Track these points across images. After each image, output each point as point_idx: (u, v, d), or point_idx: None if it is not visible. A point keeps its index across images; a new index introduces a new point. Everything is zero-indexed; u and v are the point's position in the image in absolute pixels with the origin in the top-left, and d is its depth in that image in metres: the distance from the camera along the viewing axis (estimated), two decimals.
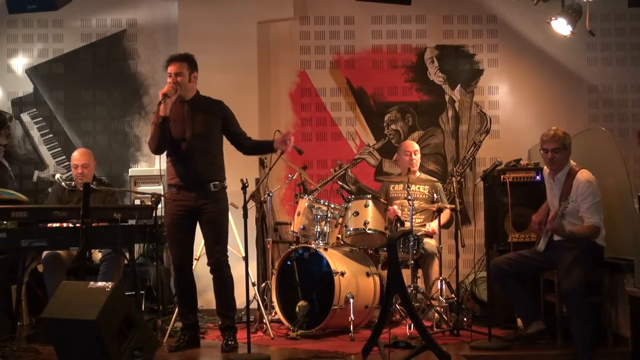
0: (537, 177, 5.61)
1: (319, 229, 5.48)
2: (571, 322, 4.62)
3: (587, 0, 5.70)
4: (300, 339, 5.18)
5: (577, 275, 4.58)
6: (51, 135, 6.90)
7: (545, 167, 5.11)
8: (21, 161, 6.89)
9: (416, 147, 6.10)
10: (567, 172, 4.87)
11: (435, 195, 5.99)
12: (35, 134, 6.89)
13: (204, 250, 5.00)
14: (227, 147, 5.04)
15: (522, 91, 6.99)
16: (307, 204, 5.57)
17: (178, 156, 4.87)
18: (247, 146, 5.03)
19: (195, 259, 5.27)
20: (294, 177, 5.96)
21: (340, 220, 5.61)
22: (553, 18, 5.86)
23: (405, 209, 5.68)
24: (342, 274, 5.26)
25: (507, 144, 6.84)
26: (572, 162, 4.91)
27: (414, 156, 6.01)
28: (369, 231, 5.42)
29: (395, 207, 5.83)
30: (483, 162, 6.91)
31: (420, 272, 5.82)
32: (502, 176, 5.61)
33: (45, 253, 5.29)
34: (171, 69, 4.85)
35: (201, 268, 5.15)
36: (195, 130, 4.84)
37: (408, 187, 5.63)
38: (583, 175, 4.80)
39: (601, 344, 4.84)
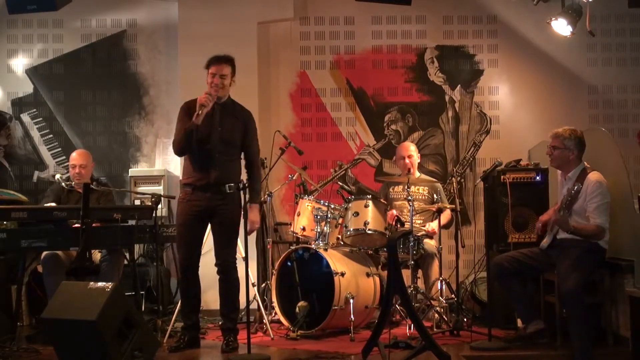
0: (537, 178, 5.62)
1: (319, 230, 5.48)
2: (569, 323, 4.61)
3: (587, 1, 5.70)
4: (300, 339, 5.18)
5: (577, 276, 4.56)
6: (51, 136, 6.90)
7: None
8: (21, 161, 6.88)
9: (411, 150, 6.04)
10: (578, 172, 4.88)
11: (435, 195, 5.99)
12: (35, 134, 6.88)
13: (206, 249, 4.99)
14: None
15: (522, 91, 6.98)
16: (307, 204, 5.57)
17: (199, 157, 4.83)
18: (247, 166, 5.00)
19: None
20: (294, 178, 5.96)
21: (340, 220, 5.61)
22: (553, 18, 5.86)
23: (405, 210, 5.67)
24: (342, 274, 5.26)
25: (507, 144, 6.83)
26: (585, 163, 4.93)
27: (407, 160, 5.99)
28: (369, 231, 5.42)
29: (394, 211, 5.80)
30: (483, 162, 6.90)
31: (420, 273, 5.82)
32: (502, 177, 5.60)
33: (44, 253, 5.29)
34: (217, 69, 4.83)
35: (202, 268, 5.13)
36: (221, 135, 4.82)
37: (408, 187, 5.63)
38: (594, 176, 4.81)
39: (601, 345, 4.84)
